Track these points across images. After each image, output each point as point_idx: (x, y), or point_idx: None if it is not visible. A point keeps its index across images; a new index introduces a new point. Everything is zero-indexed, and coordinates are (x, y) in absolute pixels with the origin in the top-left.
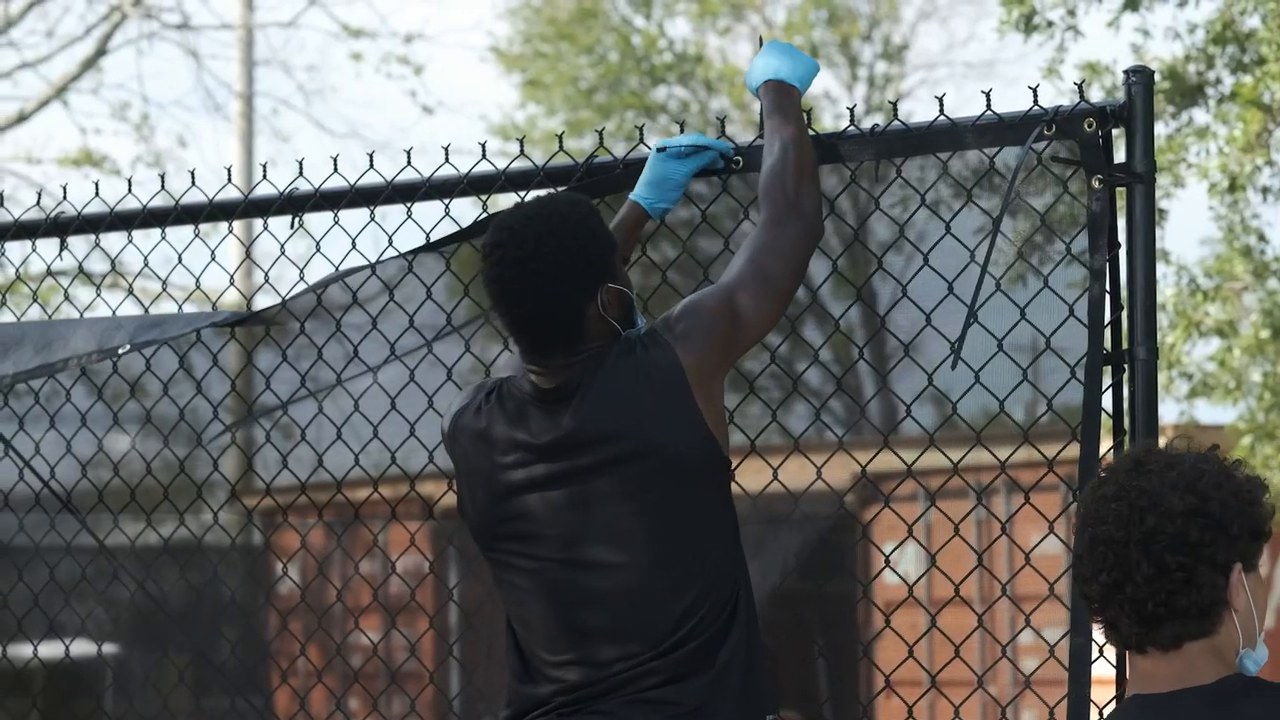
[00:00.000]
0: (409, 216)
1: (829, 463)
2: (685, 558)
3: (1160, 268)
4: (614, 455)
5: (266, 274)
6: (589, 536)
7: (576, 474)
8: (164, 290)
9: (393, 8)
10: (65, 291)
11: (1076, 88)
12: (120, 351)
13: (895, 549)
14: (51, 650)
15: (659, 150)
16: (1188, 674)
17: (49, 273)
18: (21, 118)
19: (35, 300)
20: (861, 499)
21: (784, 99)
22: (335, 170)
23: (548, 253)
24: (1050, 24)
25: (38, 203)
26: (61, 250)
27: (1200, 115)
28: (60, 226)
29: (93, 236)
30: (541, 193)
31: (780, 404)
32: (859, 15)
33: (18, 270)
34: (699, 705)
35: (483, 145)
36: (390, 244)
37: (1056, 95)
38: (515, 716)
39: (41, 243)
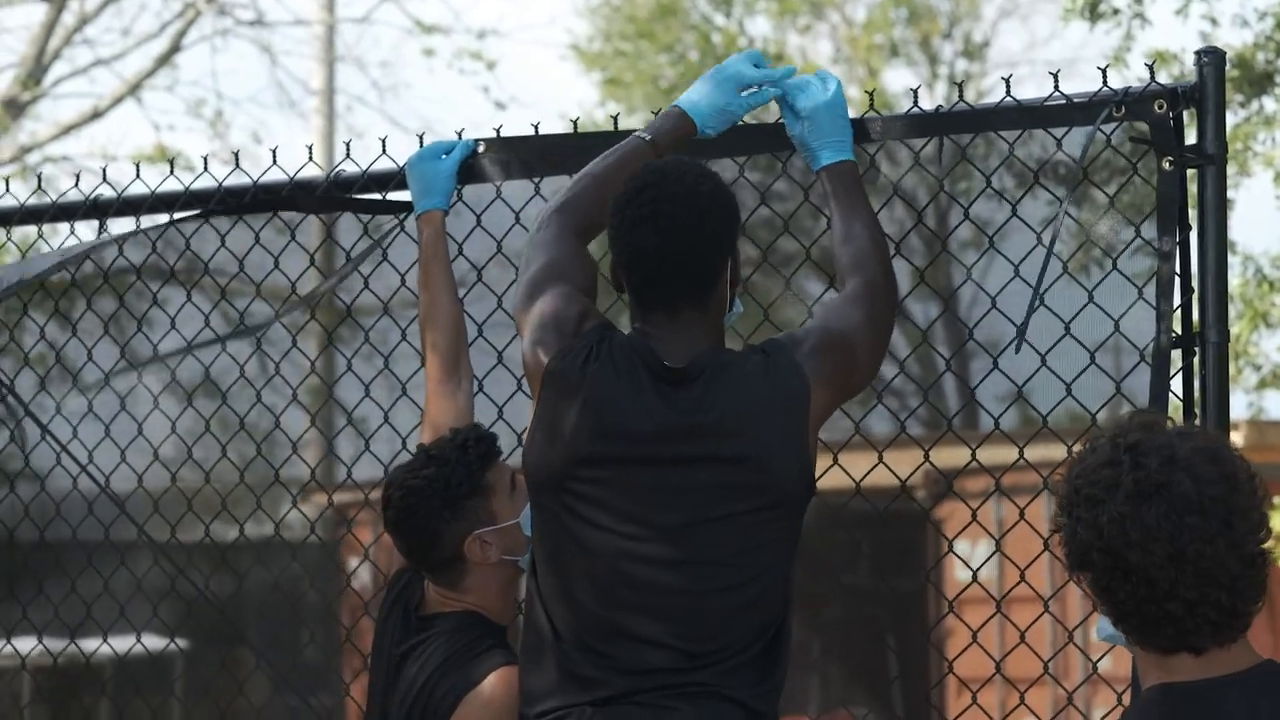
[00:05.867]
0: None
1: (899, 459)
2: (749, 573)
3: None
4: (723, 455)
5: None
6: (664, 525)
7: (679, 461)
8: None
9: (466, 4)
10: (138, 273)
11: (1147, 68)
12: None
13: (952, 537)
14: (122, 646)
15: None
16: (1220, 662)
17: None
18: (96, 114)
19: (106, 281)
20: (933, 496)
21: (853, 169)
22: (384, 152)
23: (705, 192)
24: (1116, 11)
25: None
26: (101, 231)
27: (1269, 103)
28: (100, 208)
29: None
30: None
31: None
32: (939, 13)
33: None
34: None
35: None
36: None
37: (1123, 84)
38: (552, 710)
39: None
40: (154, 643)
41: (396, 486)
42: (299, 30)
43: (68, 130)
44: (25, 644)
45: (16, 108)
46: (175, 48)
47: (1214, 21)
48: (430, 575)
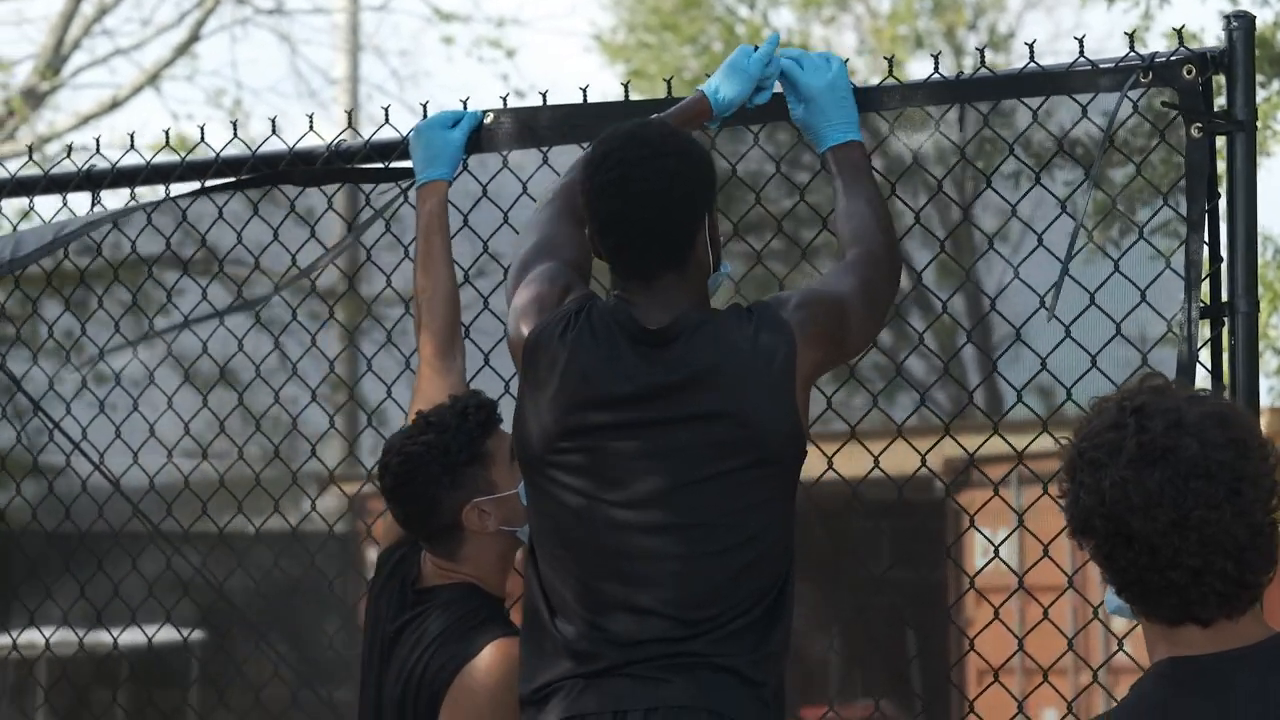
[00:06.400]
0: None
1: (918, 446)
2: (742, 534)
3: None
4: (705, 412)
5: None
6: (651, 489)
7: (661, 423)
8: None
9: None
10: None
11: (1175, 33)
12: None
13: (972, 525)
14: (141, 639)
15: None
16: (1229, 634)
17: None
18: (115, 104)
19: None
20: (955, 484)
21: (860, 149)
22: (387, 121)
23: (672, 153)
24: None
25: (68, 155)
26: (94, 205)
27: None
28: (93, 179)
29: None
30: None
31: (882, 390)
32: (964, 4)
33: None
34: (721, 692)
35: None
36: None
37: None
38: (546, 684)
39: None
40: (172, 636)
41: (395, 453)
42: (318, 19)
43: (86, 120)
44: (40, 635)
45: (35, 98)
46: (194, 37)
47: (1234, 0)
48: (427, 544)
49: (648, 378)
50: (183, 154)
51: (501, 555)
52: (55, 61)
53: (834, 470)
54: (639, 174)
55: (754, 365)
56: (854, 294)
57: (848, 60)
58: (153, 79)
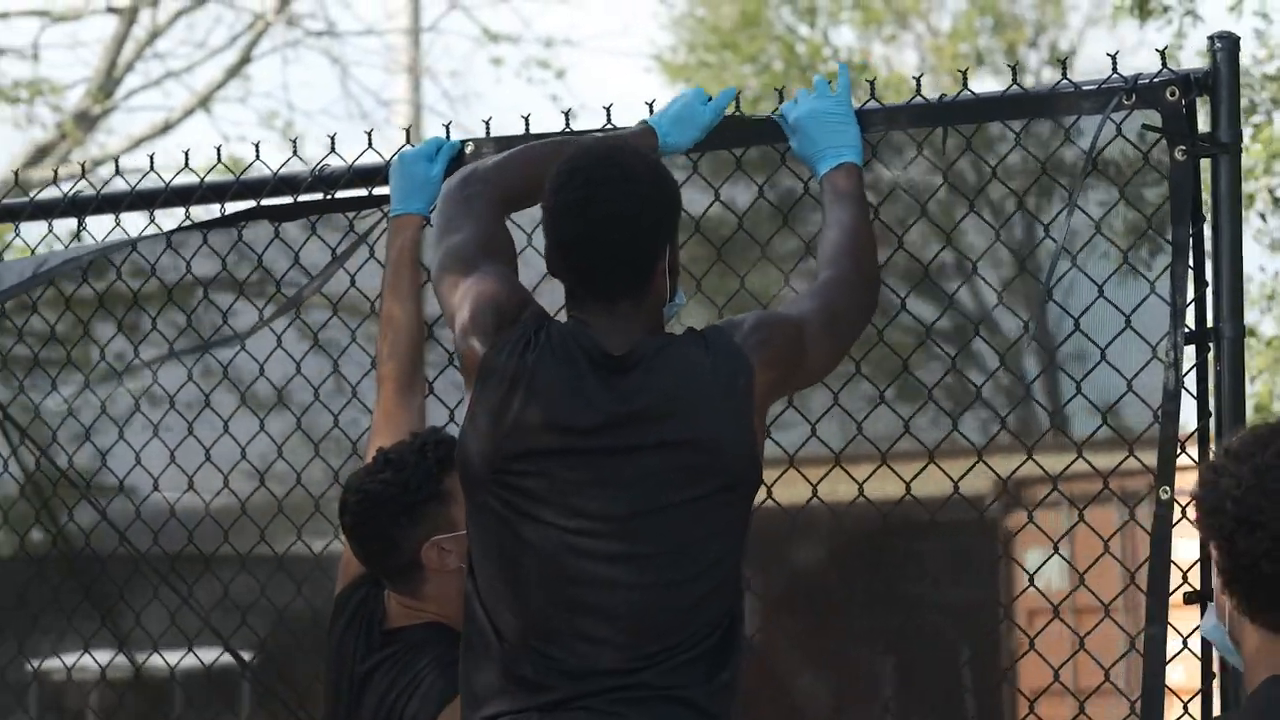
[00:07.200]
0: None
1: (965, 468)
2: (700, 564)
3: None
4: (668, 439)
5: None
6: (610, 516)
7: (623, 450)
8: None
9: (536, 12)
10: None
11: (1158, 54)
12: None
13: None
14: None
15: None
16: None
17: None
18: (167, 127)
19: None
20: (1003, 506)
21: (850, 171)
22: (370, 146)
23: (641, 177)
24: (1167, 8)
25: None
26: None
27: None
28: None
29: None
30: None
31: (916, 411)
32: (1025, 22)
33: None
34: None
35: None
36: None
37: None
38: (496, 715)
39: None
40: (226, 660)
41: (353, 491)
42: (369, 40)
43: (138, 143)
44: (102, 658)
45: (88, 121)
46: (245, 59)
47: (1266, 17)
48: (390, 583)
49: (610, 405)
50: (236, 174)
51: (463, 592)
52: (108, 85)
53: (864, 496)
54: (605, 194)
55: (714, 390)
56: (813, 316)
57: (872, 78)
58: (204, 101)
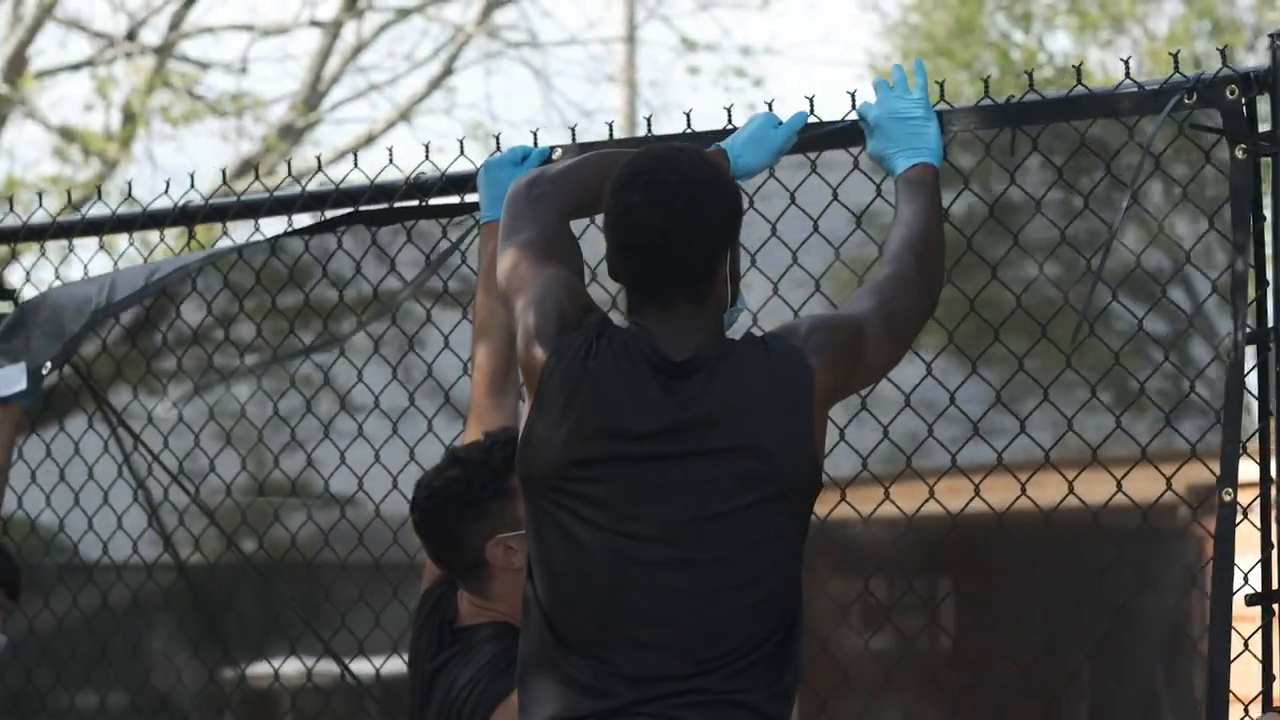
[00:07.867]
0: None
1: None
2: (758, 569)
3: None
4: (729, 445)
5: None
6: (668, 522)
7: (683, 456)
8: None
9: (735, 21)
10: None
11: (1220, 53)
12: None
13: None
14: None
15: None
16: None
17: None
18: (370, 139)
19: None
20: (1204, 510)
21: (925, 171)
22: (462, 153)
23: (702, 180)
24: None
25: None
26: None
27: None
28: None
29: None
30: None
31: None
32: (1243, 25)
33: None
34: None
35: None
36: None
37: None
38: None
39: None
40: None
41: (422, 487)
42: (571, 50)
43: (342, 155)
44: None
45: (293, 134)
46: (448, 71)
47: None
48: (460, 581)
49: (671, 411)
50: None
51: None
52: (313, 98)
53: (1076, 496)
54: (664, 197)
55: (773, 395)
56: (872, 316)
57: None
58: (405, 113)
